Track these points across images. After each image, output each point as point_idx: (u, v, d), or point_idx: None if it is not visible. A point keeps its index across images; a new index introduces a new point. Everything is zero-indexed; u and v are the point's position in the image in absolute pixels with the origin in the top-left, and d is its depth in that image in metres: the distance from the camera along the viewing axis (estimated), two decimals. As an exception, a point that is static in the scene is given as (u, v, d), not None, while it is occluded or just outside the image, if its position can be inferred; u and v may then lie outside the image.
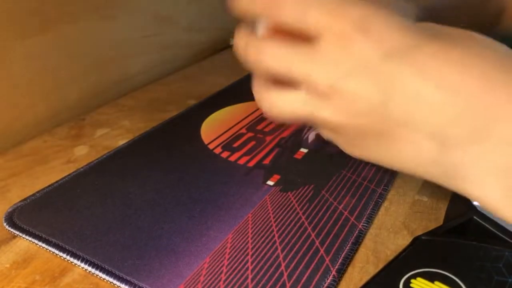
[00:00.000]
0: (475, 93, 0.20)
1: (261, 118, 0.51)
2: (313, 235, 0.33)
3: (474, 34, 0.22)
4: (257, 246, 0.32)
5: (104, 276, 0.29)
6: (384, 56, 0.21)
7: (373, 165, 0.41)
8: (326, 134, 0.26)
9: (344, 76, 0.22)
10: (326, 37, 0.22)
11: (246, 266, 0.30)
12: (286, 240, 0.32)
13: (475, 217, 0.30)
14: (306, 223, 0.34)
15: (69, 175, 0.40)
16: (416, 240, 0.29)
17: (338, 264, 0.30)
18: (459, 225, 0.30)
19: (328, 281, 0.29)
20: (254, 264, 0.30)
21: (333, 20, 0.22)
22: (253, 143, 0.45)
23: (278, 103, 0.25)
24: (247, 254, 0.31)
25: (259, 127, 0.49)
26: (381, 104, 0.21)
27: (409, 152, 0.22)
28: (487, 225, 0.30)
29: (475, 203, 0.31)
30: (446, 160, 0.21)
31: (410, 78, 0.21)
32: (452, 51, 0.21)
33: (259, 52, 0.25)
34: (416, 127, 0.21)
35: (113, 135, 0.48)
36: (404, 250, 0.28)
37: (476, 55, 0.20)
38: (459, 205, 0.33)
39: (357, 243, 0.32)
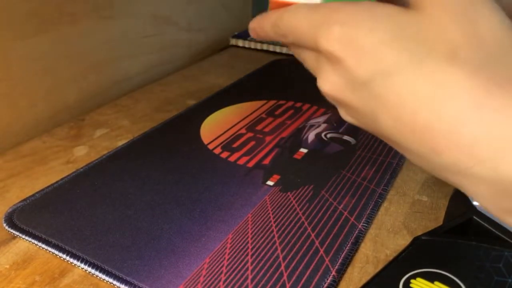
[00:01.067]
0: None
1: (261, 118, 0.51)
2: (313, 235, 0.33)
3: None
4: (257, 246, 0.32)
5: (104, 276, 0.29)
6: (370, 76, 0.20)
7: (372, 165, 0.41)
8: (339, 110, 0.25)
9: (339, 88, 0.22)
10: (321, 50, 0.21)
11: (246, 266, 0.30)
12: (286, 240, 0.32)
13: (474, 217, 0.30)
14: (306, 223, 0.34)
15: (68, 175, 0.40)
16: (416, 240, 0.29)
17: (338, 264, 0.30)
18: (459, 225, 0.30)
19: (328, 281, 0.29)
20: (254, 264, 0.30)
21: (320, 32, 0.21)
22: (252, 143, 0.45)
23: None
24: (247, 254, 0.31)
25: (259, 127, 0.49)
26: (373, 120, 0.21)
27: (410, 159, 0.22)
28: (486, 225, 0.30)
29: (475, 203, 0.31)
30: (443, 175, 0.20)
31: (393, 103, 0.20)
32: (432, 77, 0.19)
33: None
34: (406, 150, 0.21)
35: (113, 135, 0.48)
36: (404, 250, 0.28)
37: None
38: (459, 205, 0.33)
39: (357, 243, 0.32)
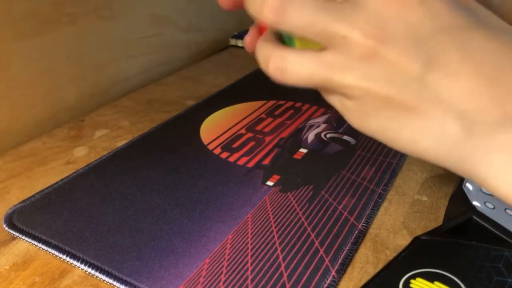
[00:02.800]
0: None
1: (261, 119, 0.51)
2: (312, 236, 0.33)
3: None
4: (256, 247, 0.32)
5: (103, 277, 0.29)
6: (435, 30, 0.20)
7: (372, 165, 0.41)
8: (339, 103, 0.24)
9: (389, 40, 0.21)
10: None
11: (246, 266, 0.30)
12: (286, 241, 0.32)
13: (474, 217, 0.30)
14: (305, 224, 0.34)
15: (68, 176, 0.40)
16: (416, 240, 0.29)
17: (337, 264, 0.30)
18: (459, 225, 0.30)
19: (328, 281, 0.29)
20: (254, 264, 0.30)
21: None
22: (252, 143, 0.45)
23: (294, 63, 0.23)
24: (247, 255, 0.31)
25: (259, 128, 0.49)
26: (419, 77, 0.21)
27: (431, 130, 0.21)
28: (486, 225, 0.30)
29: (474, 203, 0.31)
30: (466, 144, 0.21)
31: (454, 56, 0.20)
32: (499, 40, 0.20)
33: (284, 6, 0.22)
34: (448, 106, 0.21)
35: (112, 136, 0.48)
36: (404, 250, 0.28)
37: None
38: (459, 205, 0.33)
39: (357, 243, 0.32)
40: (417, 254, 0.28)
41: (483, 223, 0.30)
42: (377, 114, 0.23)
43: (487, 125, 0.20)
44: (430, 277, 0.26)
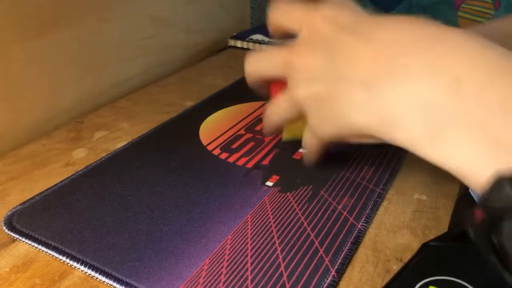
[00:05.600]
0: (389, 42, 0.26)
1: (260, 119, 0.51)
2: (312, 236, 0.33)
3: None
4: (256, 247, 0.32)
5: (103, 278, 0.29)
6: (337, 31, 0.29)
7: (372, 164, 0.41)
8: (309, 123, 0.33)
9: (305, 51, 0.30)
10: (304, 29, 0.32)
11: (246, 267, 0.30)
12: (286, 241, 0.32)
13: None
14: (305, 224, 0.34)
15: (67, 178, 0.40)
16: (424, 247, 0.28)
17: (337, 264, 0.30)
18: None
19: (328, 281, 0.29)
20: (254, 265, 0.30)
21: (308, 17, 0.32)
22: (251, 144, 0.45)
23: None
24: (247, 255, 0.31)
25: (258, 128, 0.49)
26: (328, 67, 0.28)
27: (347, 105, 0.28)
28: None
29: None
30: (376, 106, 0.26)
31: (348, 41, 0.28)
32: (384, 20, 0.28)
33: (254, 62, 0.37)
34: (350, 80, 0.27)
35: (112, 137, 0.48)
36: (413, 257, 0.28)
37: (403, 23, 0.27)
38: (466, 209, 0.32)
39: (357, 243, 0.32)
40: (427, 261, 0.27)
41: None
42: (322, 115, 0.31)
43: (382, 81, 0.26)
44: (443, 285, 0.25)
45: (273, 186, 0.39)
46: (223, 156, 0.43)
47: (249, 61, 0.36)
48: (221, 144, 0.45)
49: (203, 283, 0.29)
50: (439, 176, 0.41)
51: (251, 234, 0.33)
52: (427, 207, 0.37)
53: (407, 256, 0.31)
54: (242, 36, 0.79)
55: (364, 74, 0.26)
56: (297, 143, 0.45)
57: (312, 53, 0.30)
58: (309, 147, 0.36)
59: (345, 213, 0.35)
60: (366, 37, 0.27)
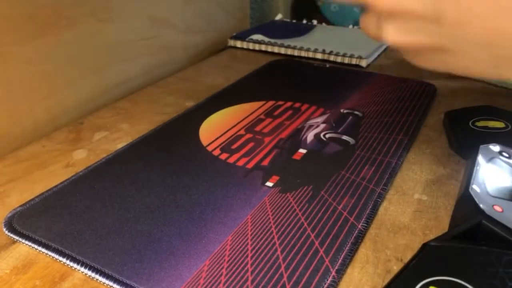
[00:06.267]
0: None
1: (260, 119, 0.51)
2: (312, 236, 0.33)
3: None
4: (256, 248, 0.32)
5: (104, 280, 0.29)
6: None
7: (372, 164, 0.41)
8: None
9: None
10: None
11: (246, 268, 0.30)
12: (286, 241, 0.32)
13: (483, 221, 0.29)
14: (305, 224, 0.34)
15: (68, 179, 0.40)
16: (425, 247, 0.28)
17: (337, 264, 0.30)
18: (467, 230, 0.30)
19: (328, 281, 0.29)
20: (254, 265, 0.30)
21: None
22: (251, 144, 0.45)
23: None
24: (247, 256, 0.31)
25: (258, 128, 0.49)
26: (435, 20, 0.24)
27: (465, 63, 0.25)
28: (496, 229, 0.29)
29: (482, 206, 0.31)
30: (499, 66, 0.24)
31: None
32: None
33: None
34: (470, 40, 0.24)
35: (112, 138, 0.48)
36: (414, 258, 0.28)
37: None
38: (466, 209, 0.32)
39: (357, 243, 0.32)
40: (427, 262, 0.27)
41: (492, 227, 0.29)
42: (424, 56, 0.27)
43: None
44: (443, 285, 0.25)
45: (273, 186, 0.39)
46: (223, 156, 0.43)
47: None
48: (221, 144, 0.45)
49: (203, 284, 0.29)
50: (439, 176, 0.41)
51: (251, 234, 0.33)
52: (427, 207, 0.37)
53: (408, 256, 0.31)
54: (241, 36, 0.79)
55: (485, 40, 0.24)
56: (296, 145, 0.45)
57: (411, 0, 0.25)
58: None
59: (345, 213, 0.35)
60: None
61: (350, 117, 0.51)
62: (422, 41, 0.26)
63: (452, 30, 0.24)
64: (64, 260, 0.31)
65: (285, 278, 0.29)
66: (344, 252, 0.31)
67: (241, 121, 0.50)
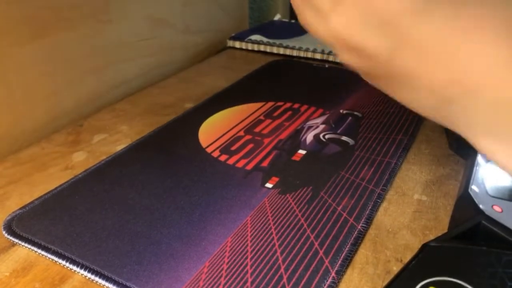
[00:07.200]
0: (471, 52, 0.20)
1: (259, 120, 0.51)
2: (312, 237, 0.33)
3: None
4: (256, 249, 0.32)
5: (103, 282, 0.29)
6: (398, 12, 0.21)
7: (371, 165, 0.41)
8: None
9: (354, 26, 0.22)
10: None
11: (246, 269, 0.30)
12: (285, 243, 0.32)
13: (483, 222, 0.29)
14: (305, 225, 0.34)
15: (67, 181, 0.40)
16: (424, 247, 0.28)
17: (337, 265, 0.30)
18: (467, 230, 0.30)
19: (328, 282, 0.29)
20: (254, 267, 0.30)
21: None
22: (251, 145, 0.45)
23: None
24: (247, 258, 0.31)
25: (257, 130, 0.49)
26: (388, 59, 0.22)
27: (411, 97, 0.23)
28: (496, 230, 0.29)
29: (481, 206, 0.31)
30: (445, 110, 0.22)
31: (420, 34, 0.21)
32: (462, 13, 0.20)
33: None
34: (417, 84, 0.22)
35: (111, 140, 0.48)
36: (413, 258, 0.28)
37: (487, 16, 0.20)
38: (465, 209, 0.32)
39: (356, 244, 0.32)
40: (427, 262, 0.27)
41: (492, 227, 0.29)
42: (375, 80, 0.24)
43: (456, 94, 0.21)
44: (443, 286, 0.25)
45: (272, 187, 0.39)
46: (223, 158, 0.43)
47: None
48: (220, 146, 0.45)
49: (203, 286, 0.29)
50: (438, 176, 0.41)
51: (251, 236, 0.33)
52: (427, 207, 0.37)
53: (407, 257, 0.31)
54: (241, 37, 0.78)
55: (434, 84, 0.22)
56: (296, 146, 0.45)
57: (364, 28, 0.22)
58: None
59: (344, 214, 0.35)
60: (440, 36, 0.21)
61: (350, 118, 0.51)
62: (372, 71, 0.24)
63: (401, 73, 0.22)
64: (63, 262, 0.31)
65: (284, 280, 0.29)
66: (344, 253, 0.31)
67: (240, 122, 0.50)
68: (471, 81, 0.20)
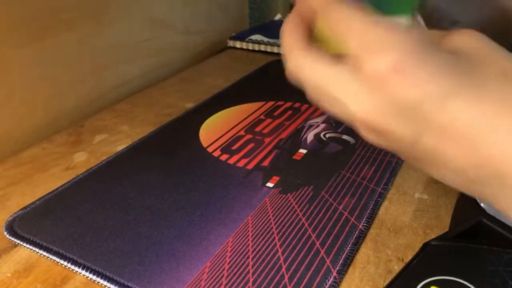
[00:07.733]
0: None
1: (260, 120, 0.51)
2: (313, 237, 0.33)
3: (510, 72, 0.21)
4: (257, 249, 0.32)
5: (105, 283, 0.29)
6: (421, 98, 0.20)
7: (372, 164, 0.41)
8: None
9: (379, 113, 0.21)
10: (363, 73, 0.21)
11: (247, 269, 0.30)
12: (287, 242, 0.32)
13: (484, 220, 0.29)
14: (306, 225, 0.34)
15: (68, 182, 0.40)
16: (426, 246, 0.28)
17: (338, 265, 0.30)
18: (468, 229, 0.30)
19: (329, 282, 0.29)
20: (255, 267, 0.30)
21: (369, 56, 0.21)
22: (251, 145, 0.45)
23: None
24: (248, 257, 0.31)
25: (258, 129, 0.49)
26: (413, 142, 0.22)
27: (442, 175, 0.23)
28: (497, 228, 0.29)
29: (482, 205, 0.31)
30: (476, 191, 0.22)
31: (444, 119, 0.20)
32: (485, 97, 0.20)
33: (299, 64, 0.25)
34: (444, 165, 0.22)
35: (112, 140, 0.48)
36: (415, 257, 0.28)
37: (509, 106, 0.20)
38: (467, 208, 0.32)
39: (358, 243, 0.32)
40: (428, 261, 0.27)
41: (493, 226, 0.29)
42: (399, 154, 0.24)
43: (483, 178, 0.20)
44: (445, 285, 0.25)
45: (273, 187, 0.39)
46: (223, 157, 0.43)
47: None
48: (221, 145, 0.45)
49: (205, 286, 0.29)
50: (439, 174, 0.40)
51: (252, 235, 0.33)
52: (428, 206, 0.36)
53: (409, 256, 0.31)
54: (241, 37, 0.78)
55: (460, 167, 0.22)
56: (297, 145, 0.45)
57: (385, 118, 0.22)
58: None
59: (346, 213, 0.35)
60: (462, 126, 0.20)
61: (350, 117, 0.51)
62: (399, 151, 0.23)
63: (427, 154, 0.22)
64: (65, 263, 0.31)
65: (286, 279, 0.29)
66: (345, 253, 0.31)
67: (241, 121, 0.50)
68: (497, 166, 0.19)
